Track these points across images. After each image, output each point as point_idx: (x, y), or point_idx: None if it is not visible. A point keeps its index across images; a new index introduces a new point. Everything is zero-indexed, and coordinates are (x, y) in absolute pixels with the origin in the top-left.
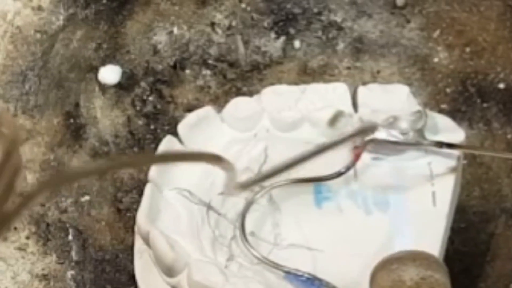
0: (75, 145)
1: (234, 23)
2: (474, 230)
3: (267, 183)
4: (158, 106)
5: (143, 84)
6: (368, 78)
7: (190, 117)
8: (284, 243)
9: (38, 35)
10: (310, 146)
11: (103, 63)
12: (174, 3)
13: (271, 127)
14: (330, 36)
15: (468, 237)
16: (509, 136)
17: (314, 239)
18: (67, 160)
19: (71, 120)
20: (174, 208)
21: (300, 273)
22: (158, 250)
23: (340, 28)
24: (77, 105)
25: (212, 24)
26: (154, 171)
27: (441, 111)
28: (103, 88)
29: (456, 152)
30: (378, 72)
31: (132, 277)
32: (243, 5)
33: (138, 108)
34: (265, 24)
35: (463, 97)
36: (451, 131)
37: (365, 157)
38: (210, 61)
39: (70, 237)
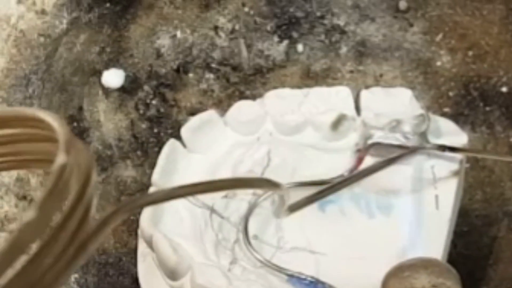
0: None
1: (237, 27)
2: (477, 233)
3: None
4: (162, 110)
5: (146, 87)
6: (371, 81)
7: (194, 121)
8: (287, 246)
9: (42, 39)
10: (313, 150)
11: (107, 66)
12: (177, 7)
13: (274, 130)
14: (333, 39)
15: (471, 241)
16: (511, 140)
17: (317, 242)
18: None
19: (75, 124)
20: (177, 211)
21: (303, 276)
22: (161, 254)
23: (343, 32)
24: (80, 108)
25: (215, 28)
26: (157, 174)
27: (444, 114)
28: (107, 91)
29: (458, 156)
30: (381, 75)
31: (135, 281)
32: (246, 9)
33: (141, 111)
34: (268, 28)
35: (466, 100)
36: (454, 134)
37: (368, 160)
38: (213, 65)
39: None
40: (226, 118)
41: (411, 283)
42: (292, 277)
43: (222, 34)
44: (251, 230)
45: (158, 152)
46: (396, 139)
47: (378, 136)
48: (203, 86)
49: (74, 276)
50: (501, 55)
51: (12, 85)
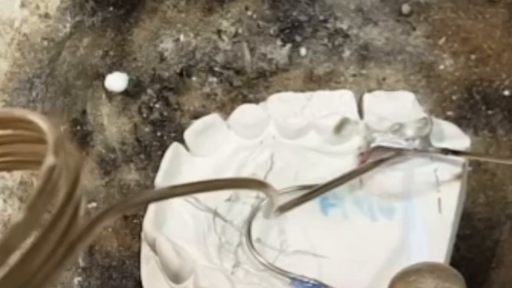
0: (82, 152)
1: (240, 31)
2: (479, 236)
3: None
4: (165, 113)
5: (149, 91)
6: (373, 85)
7: (197, 124)
8: (290, 249)
9: (45, 43)
10: (316, 154)
11: (110, 70)
12: (180, 10)
13: (277, 134)
14: (336, 43)
15: (473, 244)
16: None
17: (320, 245)
18: None
19: (78, 127)
20: (180, 214)
21: (306, 280)
22: (165, 257)
23: (346, 36)
24: (84, 112)
25: (219, 32)
26: (160, 178)
27: (446, 118)
28: (110, 95)
29: (461, 159)
30: (384, 79)
31: (138, 284)
32: (249, 13)
33: (144, 115)
34: (271, 31)
35: (469, 104)
36: (457, 138)
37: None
38: (216, 69)
39: None
40: (229, 121)
41: None
42: (295, 280)
43: (225, 37)
44: (254, 234)
45: (161, 156)
46: (398, 142)
47: (381, 140)
48: (206, 89)
49: (77, 279)
50: (504, 58)
51: (16, 88)
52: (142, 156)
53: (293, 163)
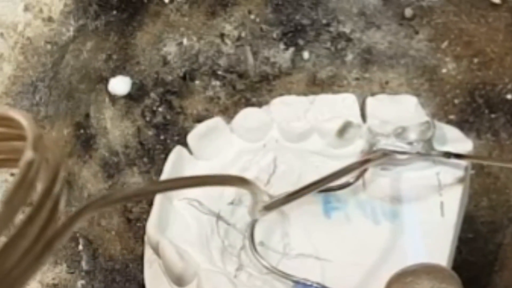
0: (85, 155)
1: (243, 34)
2: (482, 240)
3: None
4: (168, 117)
5: (152, 95)
6: (376, 89)
7: (200, 128)
8: (293, 252)
9: (49, 46)
10: (319, 157)
11: (113, 74)
12: (183, 14)
13: (280, 137)
14: (339, 47)
15: (476, 247)
16: None
17: (323, 248)
18: (77, 170)
19: (81, 131)
20: (183, 218)
21: (309, 283)
22: (168, 260)
23: (348, 39)
24: (87, 115)
25: (222, 35)
26: None
27: (449, 121)
28: (113, 99)
29: (464, 163)
30: (387, 83)
31: (142, 287)
32: (252, 16)
33: (148, 118)
34: (274, 35)
35: (471, 107)
36: (459, 141)
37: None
38: (219, 72)
39: (80, 247)
40: (232, 125)
41: None
42: (298, 283)
43: (228, 41)
44: (257, 237)
45: (165, 159)
46: (401, 146)
47: (384, 143)
48: (209, 93)
49: (80, 283)
50: (506, 62)
51: (19, 92)
52: (145, 159)
53: (296, 166)
